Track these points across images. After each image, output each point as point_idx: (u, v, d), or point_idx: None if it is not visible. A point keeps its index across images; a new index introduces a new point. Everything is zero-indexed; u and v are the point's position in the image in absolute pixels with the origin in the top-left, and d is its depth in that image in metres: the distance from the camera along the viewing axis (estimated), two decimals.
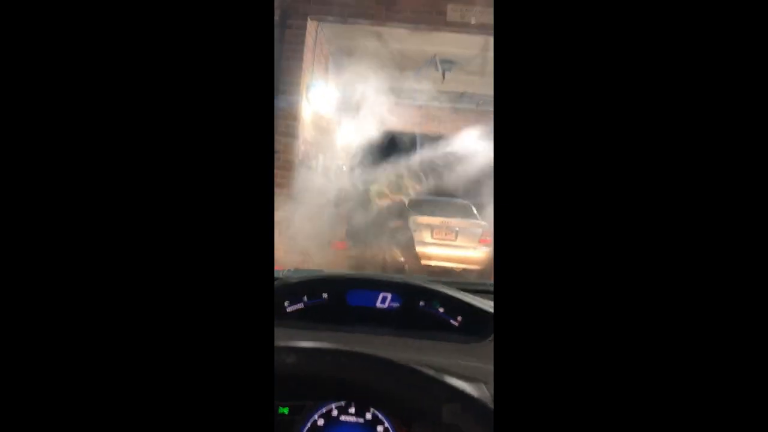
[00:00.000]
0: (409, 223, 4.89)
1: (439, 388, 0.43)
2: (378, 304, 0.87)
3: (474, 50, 4.75)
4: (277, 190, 3.88)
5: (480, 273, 5.02)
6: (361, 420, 0.67)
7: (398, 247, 4.55)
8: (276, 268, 1.05)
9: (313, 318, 0.87)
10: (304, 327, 0.83)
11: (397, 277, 0.93)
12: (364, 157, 4.85)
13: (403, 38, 4.56)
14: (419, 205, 5.30)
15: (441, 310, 0.85)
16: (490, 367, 0.46)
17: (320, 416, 0.67)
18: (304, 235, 3.82)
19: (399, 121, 5.90)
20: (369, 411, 0.66)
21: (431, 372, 0.44)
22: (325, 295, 0.88)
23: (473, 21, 3.99)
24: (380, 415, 0.66)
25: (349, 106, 4.78)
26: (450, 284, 0.91)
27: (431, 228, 5.26)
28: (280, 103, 4.11)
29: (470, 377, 0.50)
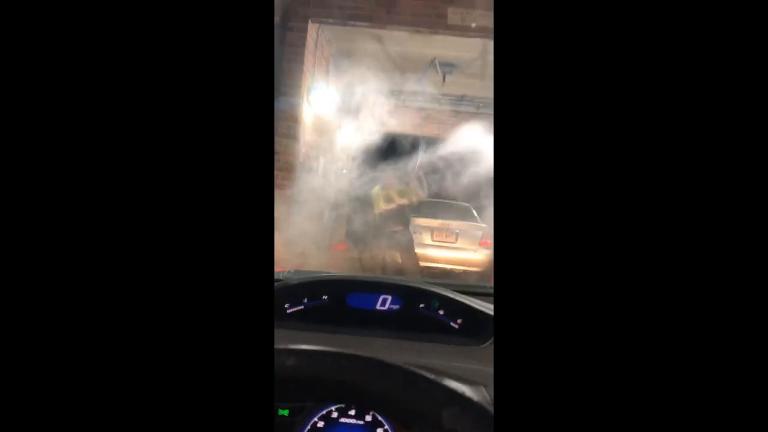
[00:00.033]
0: (409, 226, 4.90)
1: (438, 391, 0.43)
2: (378, 307, 0.87)
3: (474, 53, 4.76)
4: (277, 192, 3.88)
5: (480, 275, 5.01)
6: (360, 422, 0.67)
7: (398, 248, 4.55)
8: (276, 269, 1.05)
9: (313, 319, 0.87)
10: (304, 328, 0.83)
11: (398, 280, 0.93)
12: (364, 159, 4.86)
13: (404, 41, 4.56)
14: (419, 207, 5.30)
15: (441, 312, 0.85)
16: (490, 370, 0.47)
17: (320, 418, 0.67)
18: (304, 237, 3.82)
19: (399, 124, 5.90)
20: (369, 413, 0.66)
21: (431, 375, 0.44)
22: (325, 297, 0.88)
23: (474, 25, 3.99)
24: (380, 418, 0.66)
25: (350, 108, 4.79)
26: (450, 287, 0.91)
27: (431, 230, 5.26)
28: (281, 104, 4.12)
29: (470, 380, 0.50)
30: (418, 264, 4.88)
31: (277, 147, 4.08)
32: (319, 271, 1.09)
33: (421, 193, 5.17)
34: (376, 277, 0.96)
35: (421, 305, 0.86)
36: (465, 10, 4.07)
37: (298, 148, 4.30)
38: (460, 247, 5.27)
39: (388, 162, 4.93)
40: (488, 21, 3.99)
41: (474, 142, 5.10)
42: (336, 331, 0.83)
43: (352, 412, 0.67)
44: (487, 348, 0.77)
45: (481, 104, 6.32)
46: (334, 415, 0.67)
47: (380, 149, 4.92)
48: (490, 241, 5.17)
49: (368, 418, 0.66)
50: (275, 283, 0.90)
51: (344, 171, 5.39)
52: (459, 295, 0.87)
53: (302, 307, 0.88)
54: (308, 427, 0.66)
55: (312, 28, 4.32)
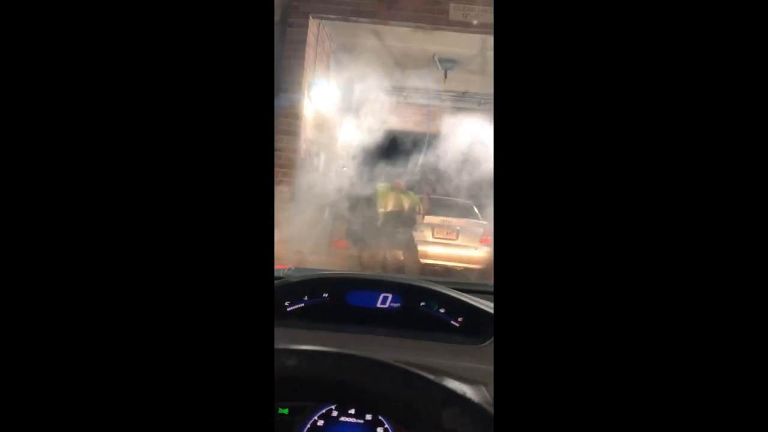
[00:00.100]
0: (413, 226, 4.90)
1: (438, 390, 0.43)
2: (378, 305, 0.87)
3: (476, 49, 4.75)
4: (277, 188, 3.88)
5: (481, 272, 5.02)
6: (360, 421, 0.66)
7: (399, 246, 4.55)
8: (276, 266, 1.05)
9: (313, 317, 0.87)
10: (305, 326, 0.83)
11: (398, 278, 0.93)
12: (365, 156, 4.86)
13: (405, 37, 4.56)
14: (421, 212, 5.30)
15: (441, 310, 0.85)
16: (491, 369, 0.46)
17: (320, 417, 0.67)
18: (304, 234, 3.82)
19: (400, 120, 5.89)
20: (369, 412, 0.66)
21: (431, 375, 0.44)
22: (325, 295, 0.88)
23: (475, 21, 3.98)
24: (380, 417, 0.66)
25: (351, 105, 4.78)
26: (451, 285, 0.91)
27: (432, 227, 5.26)
28: (281, 101, 4.11)
29: (470, 379, 0.50)
30: (419, 261, 4.88)
31: (277, 144, 4.08)
32: (320, 269, 1.09)
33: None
34: (377, 275, 0.95)
35: (422, 303, 0.86)
36: (467, 6, 4.07)
37: (299, 145, 4.30)
38: (460, 245, 5.27)
39: (389, 159, 4.93)
40: (490, 17, 3.98)
41: (476, 139, 5.09)
42: (336, 329, 0.83)
43: (352, 411, 0.67)
44: (488, 346, 0.77)
45: (482, 101, 6.31)
46: (334, 413, 0.67)
47: (381, 146, 4.92)
48: (491, 238, 5.17)
49: (368, 416, 0.66)
50: (276, 281, 0.90)
51: (345, 168, 5.38)
52: (460, 293, 0.87)
53: (302, 304, 0.88)
54: (308, 426, 0.66)
55: (313, 24, 4.32)
